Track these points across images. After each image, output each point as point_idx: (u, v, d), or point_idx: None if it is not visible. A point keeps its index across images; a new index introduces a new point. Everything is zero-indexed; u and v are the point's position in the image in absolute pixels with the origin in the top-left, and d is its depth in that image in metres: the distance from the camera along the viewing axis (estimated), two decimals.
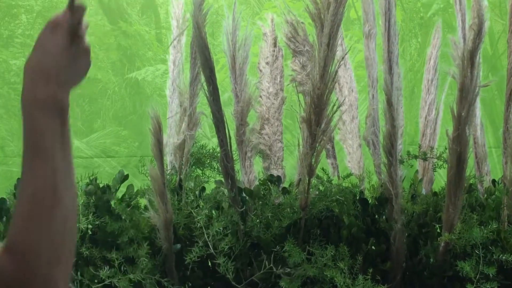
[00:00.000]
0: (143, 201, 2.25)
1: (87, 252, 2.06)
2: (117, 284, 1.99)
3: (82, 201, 2.18)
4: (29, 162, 0.99)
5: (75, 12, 1.10)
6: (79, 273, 2.07)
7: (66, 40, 1.09)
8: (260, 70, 2.58)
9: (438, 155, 2.57)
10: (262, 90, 2.54)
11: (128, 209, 2.20)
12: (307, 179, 2.12)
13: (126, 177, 2.32)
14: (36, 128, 1.01)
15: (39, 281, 0.95)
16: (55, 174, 0.99)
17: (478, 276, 2.06)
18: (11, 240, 0.96)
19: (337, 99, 2.43)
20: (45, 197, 0.97)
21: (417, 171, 2.60)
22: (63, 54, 1.08)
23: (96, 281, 2.05)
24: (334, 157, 2.65)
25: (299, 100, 2.22)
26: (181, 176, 2.34)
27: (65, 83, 1.06)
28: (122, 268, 2.04)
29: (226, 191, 2.24)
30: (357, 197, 2.29)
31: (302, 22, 2.51)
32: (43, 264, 0.96)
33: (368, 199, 2.29)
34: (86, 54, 1.11)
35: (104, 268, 2.03)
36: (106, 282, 2.00)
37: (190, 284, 2.11)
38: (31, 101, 1.02)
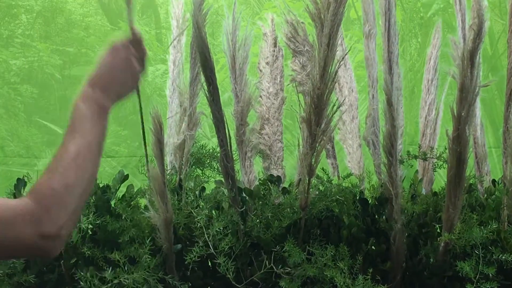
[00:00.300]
0: (143, 201, 2.25)
1: (88, 252, 2.06)
2: (124, 283, 1.98)
3: None
4: (65, 136, 1.33)
5: (133, 39, 1.50)
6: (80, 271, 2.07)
7: (118, 61, 1.46)
8: (260, 70, 2.58)
9: (438, 155, 2.58)
10: (262, 90, 2.54)
11: (129, 208, 2.20)
12: (307, 179, 2.12)
13: (126, 177, 2.32)
14: (76, 114, 1.36)
15: (50, 218, 1.25)
16: (80, 147, 1.32)
17: (478, 276, 2.06)
18: (36, 185, 1.28)
19: (337, 99, 2.43)
20: (67, 159, 1.30)
21: (417, 171, 2.61)
22: (113, 70, 1.45)
23: (96, 282, 2.05)
24: (334, 157, 2.65)
25: (299, 100, 2.22)
26: (181, 176, 2.34)
27: (110, 91, 1.43)
28: (125, 267, 2.03)
29: (226, 191, 2.24)
30: (357, 197, 2.29)
31: (302, 22, 2.51)
32: (55, 205, 1.26)
33: (368, 199, 2.29)
34: (135, 75, 1.48)
35: (106, 268, 2.03)
36: (114, 282, 1.99)
37: (190, 284, 2.11)
38: (80, 96, 1.39)
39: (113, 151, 3.86)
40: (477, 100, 2.44)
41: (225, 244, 2.06)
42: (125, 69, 1.46)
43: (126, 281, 1.97)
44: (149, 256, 2.05)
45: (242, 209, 2.18)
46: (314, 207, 2.17)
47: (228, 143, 2.18)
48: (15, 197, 2.19)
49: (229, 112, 2.34)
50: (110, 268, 2.03)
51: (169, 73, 2.64)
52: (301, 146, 2.12)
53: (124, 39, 1.49)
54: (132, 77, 1.47)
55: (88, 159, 1.32)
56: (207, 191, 2.34)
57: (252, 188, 2.26)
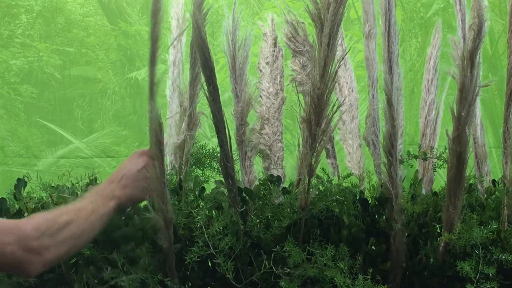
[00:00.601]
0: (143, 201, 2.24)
1: (88, 252, 2.06)
2: (122, 285, 1.98)
3: None
4: (78, 199, 1.69)
5: (155, 154, 1.79)
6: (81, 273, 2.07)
7: (138, 167, 1.78)
8: (260, 70, 2.58)
9: (438, 155, 2.57)
10: (262, 90, 2.54)
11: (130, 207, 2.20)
12: (307, 179, 2.12)
13: None
14: (96, 189, 1.70)
15: (37, 235, 1.48)
16: (85, 207, 1.65)
17: (478, 276, 2.06)
18: (38, 214, 1.59)
19: (337, 99, 2.43)
20: (73, 207, 1.64)
21: (417, 171, 2.60)
22: (132, 174, 1.76)
23: (96, 281, 2.05)
24: (334, 157, 2.65)
25: (299, 100, 2.22)
26: (181, 176, 2.34)
27: (127, 191, 1.75)
28: (124, 268, 2.03)
29: (226, 191, 2.24)
30: (357, 197, 2.29)
31: (302, 22, 2.51)
32: (45, 229, 1.50)
33: (368, 199, 2.29)
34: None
35: (106, 269, 2.03)
36: (111, 283, 1.99)
37: (190, 284, 2.10)
38: (101, 185, 1.74)
39: (113, 151, 3.86)
40: (477, 100, 2.44)
41: (224, 244, 2.06)
42: (145, 178, 1.75)
43: (123, 282, 1.97)
44: (148, 259, 2.04)
45: (242, 209, 2.17)
46: (314, 207, 2.17)
47: (228, 143, 2.18)
48: (15, 197, 2.20)
49: (229, 112, 2.33)
50: (109, 270, 2.02)
51: (169, 73, 2.64)
52: (301, 146, 2.12)
53: (150, 149, 1.79)
54: (149, 186, 1.78)
55: (89, 218, 1.62)
56: (207, 191, 2.34)
57: (252, 188, 2.26)
